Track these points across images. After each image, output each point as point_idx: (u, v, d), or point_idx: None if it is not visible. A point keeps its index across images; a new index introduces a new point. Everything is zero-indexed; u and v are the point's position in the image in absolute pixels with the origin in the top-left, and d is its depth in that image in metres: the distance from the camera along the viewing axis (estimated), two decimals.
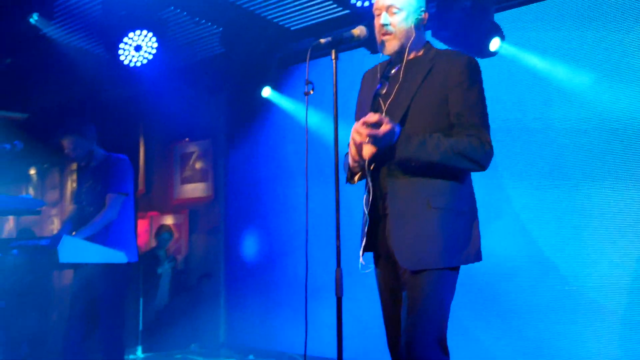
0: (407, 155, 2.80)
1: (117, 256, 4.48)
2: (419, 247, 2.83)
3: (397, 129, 2.79)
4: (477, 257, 2.94)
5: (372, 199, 2.95)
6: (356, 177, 3.06)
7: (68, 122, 4.92)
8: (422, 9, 3.04)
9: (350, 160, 2.97)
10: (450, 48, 2.98)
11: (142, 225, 9.23)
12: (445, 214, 2.85)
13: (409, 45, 3.02)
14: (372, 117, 2.77)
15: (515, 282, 5.56)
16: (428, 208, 2.84)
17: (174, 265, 8.68)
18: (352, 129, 2.86)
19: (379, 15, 3.03)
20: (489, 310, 5.67)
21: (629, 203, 5.07)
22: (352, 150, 2.92)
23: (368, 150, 2.82)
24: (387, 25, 2.99)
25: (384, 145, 2.80)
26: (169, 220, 9.02)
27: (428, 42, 3.11)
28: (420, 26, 3.04)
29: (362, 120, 2.80)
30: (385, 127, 2.75)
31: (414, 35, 3.01)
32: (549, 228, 5.48)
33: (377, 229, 2.98)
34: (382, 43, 3.03)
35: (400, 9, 2.99)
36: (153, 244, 8.80)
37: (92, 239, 4.55)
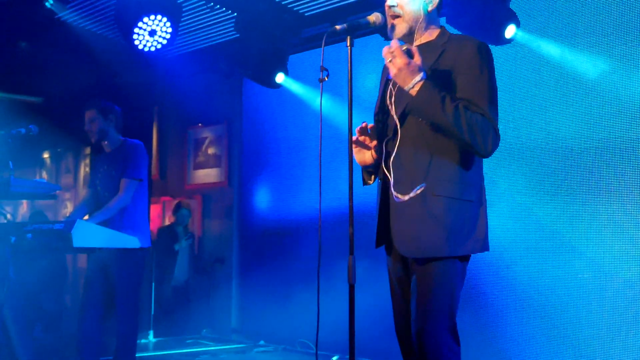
0: (423, 100, 2.73)
1: (130, 241, 4.50)
2: (419, 235, 2.80)
3: (423, 73, 2.75)
4: (484, 246, 2.89)
5: (383, 188, 2.95)
6: (372, 178, 3.06)
7: (96, 99, 4.96)
8: None
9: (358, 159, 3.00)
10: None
11: (155, 210, 9.27)
12: (448, 202, 2.80)
13: (418, 29, 2.98)
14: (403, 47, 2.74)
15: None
16: (432, 195, 2.80)
17: (192, 243, 8.72)
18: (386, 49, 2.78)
19: None
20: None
21: None
22: (359, 156, 2.96)
23: (393, 67, 2.75)
24: (394, 6, 2.96)
25: (405, 75, 2.73)
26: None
27: (443, 27, 3.06)
28: (430, 9, 2.97)
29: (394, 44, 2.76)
30: (417, 58, 2.73)
31: (422, 18, 2.96)
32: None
33: (388, 218, 2.95)
34: (392, 27, 2.98)
35: None
36: (172, 219, 8.83)
37: (106, 223, 4.57)
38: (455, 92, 2.82)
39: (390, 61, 2.75)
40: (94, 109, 4.89)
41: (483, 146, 2.76)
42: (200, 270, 8.77)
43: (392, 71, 2.76)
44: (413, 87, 2.75)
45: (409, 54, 2.76)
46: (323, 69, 2.87)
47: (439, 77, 2.85)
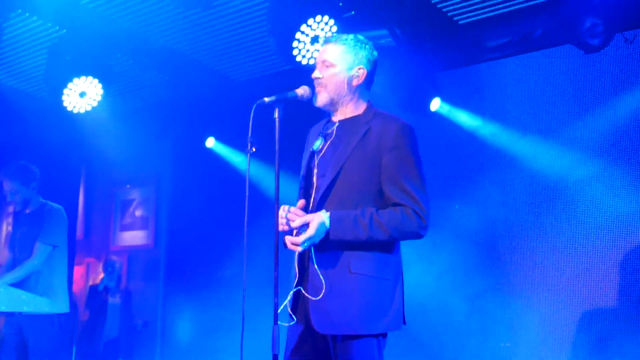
0: (341, 240, 2.82)
1: (46, 306, 4.41)
2: (335, 311, 2.82)
3: (324, 217, 2.81)
4: (398, 324, 2.92)
5: (299, 259, 2.97)
6: None
7: (14, 166, 4.87)
8: (359, 66, 3.04)
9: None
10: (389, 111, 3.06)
11: (78, 271, 9.04)
12: (365, 279, 2.84)
13: (341, 100, 3.06)
14: (297, 222, 2.82)
15: None
16: (349, 273, 2.84)
17: (122, 297, 8.52)
18: (287, 240, 2.86)
19: (315, 67, 3.10)
20: None
21: None
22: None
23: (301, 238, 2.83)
24: (319, 78, 3.05)
25: (318, 236, 2.82)
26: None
27: (370, 102, 3.12)
28: (355, 83, 3.05)
29: (288, 236, 2.84)
30: (311, 229, 2.79)
31: (345, 90, 3.03)
32: None
33: (300, 282, 2.95)
34: (315, 95, 3.07)
35: (333, 64, 3.02)
36: (100, 276, 8.61)
37: (22, 287, 4.49)
38: (379, 171, 2.89)
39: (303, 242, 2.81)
40: (16, 181, 4.82)
41: (414, 237, 2.89)
42: (126, 330, 8.55)
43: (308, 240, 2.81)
44: (327, 236, 2.82)
45: (302, 227, 2.82)
46: (251, 140, 2.94)
47: (362, 155, 2.92)
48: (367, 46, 3.08)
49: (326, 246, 2.85)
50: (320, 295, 2.83)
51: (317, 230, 2.79)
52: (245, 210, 2.97)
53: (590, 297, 5.25)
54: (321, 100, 3.05)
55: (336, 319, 2.81)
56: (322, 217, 2.80)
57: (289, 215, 2.85)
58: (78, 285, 8.90)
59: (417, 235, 2.90)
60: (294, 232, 2.86)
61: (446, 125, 5.88)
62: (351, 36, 3.08)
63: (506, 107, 5.75)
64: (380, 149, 2.91)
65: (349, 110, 3.07)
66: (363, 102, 3.10)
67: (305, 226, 2.81)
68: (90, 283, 8.88)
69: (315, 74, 3.06)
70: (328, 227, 2.80)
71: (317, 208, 2.92)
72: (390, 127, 2.95)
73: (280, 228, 2.85)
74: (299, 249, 2.81)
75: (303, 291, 2.90)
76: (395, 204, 2.87)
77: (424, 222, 2.87)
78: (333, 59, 3.02)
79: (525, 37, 5.53)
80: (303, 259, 2.95)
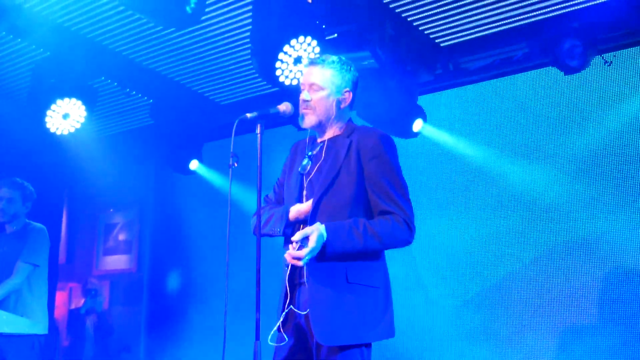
0: (338, 251, 2.84)
1: (25, 326, 4.37)
2: (337, 323, 2.84)
3: (322, 229, 2.82)
4: (390, 333, 2.97)
5: (290, 275, 2.99)
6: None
7: (16, 180, 4.87)
8: (346, 89, 3.11)
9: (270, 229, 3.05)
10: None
11: (61, 296, 8.96)
12: (362, 289, 2.89)
13: (329, 123, 3.11)
14: (298, 236, 2.82)
15: None
16: (346, 282, 2.88)
17: (106, 322, 8.43)
18: (288, 255, 2.85)
19: (303, 90, 3.12)
20: None
21: None
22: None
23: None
24: (307, 101, 3.08)
25: (317, 248, 2.82)
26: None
27: (350, 120, 3.19)
28: (342, 105, 3.11)
29: (290, 251, 2.83)
30: (311, 241, 2.80)
31: (334, 113, 3.10)
32: None
33: (291, 299, 2.98)
34: (302, 116, 3.10)
35: (321, 87, 3.07)
36: (82, 301, 8.52)
37: (1, 307, 4.45)
38: (364, 182, 2.96)
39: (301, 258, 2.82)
40: (17, 191, 4.81)
41: (404, 244, 2.96)
42: (108, 355, 8.46)
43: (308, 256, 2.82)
44: (325, 249, 2.83)
45: (303, 240, 2.83)
46: (233, 155, 2.96)
47: (348, 171, 2.98)
48: (351, 68, 3.15)
49: (321, 257, 2.86)
50: (318, 308, 2.85)
51: (317, 242, 2.80)
52: (227, 229, 2.98)
53: (563, 309, 5.37)
54: (309, 122, 3.09)
55: (338, 330, 2.83)
56: (320, 229, 2.82)
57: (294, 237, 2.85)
58: (60, 311, 8.81)
59: (407, 243, 2.97)
60: (292, 245, 2.85)
61: (429, 146, 5.93)
62: (336, 58, 3.13)
63: (488, 128, 5.82)
64: (361, 160, 2.99)
65: (333, 130, 3.13)
66: (344, 122, 3.17)
67: (305, 239, 2.81)
68: (72, 307, 8.79)
69: (305, 96, 3.09)
70: (325, 239, 2.82)
71: (310, 224, 2.91)
72: (369, 138, 3.03)
73: (295, 262, 2.83)
74: (301, 263, 2.81)
75: (294, 308, 2.93)
76: (384, 212, 2.94)
77: (412, 230, 2.96)
78: (322, 83, 3.07)
79: (506, 60, 5.61)
80: (293, 275, 2.98)
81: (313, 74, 3.08)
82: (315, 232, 2.80)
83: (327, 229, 2.83)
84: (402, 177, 3.02)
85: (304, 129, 3.19)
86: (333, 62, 3.09)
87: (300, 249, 2.80)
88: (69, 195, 9.27)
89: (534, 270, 5.53)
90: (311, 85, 3.09)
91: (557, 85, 5.57)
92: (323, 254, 2.83)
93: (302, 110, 3.10)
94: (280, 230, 3.03)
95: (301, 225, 2.96)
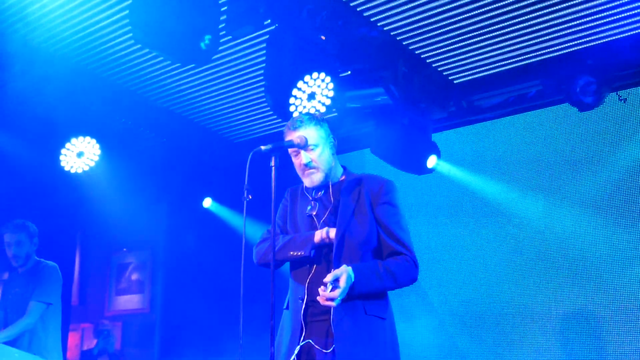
0: (363, 292, 2.96)
1: None
2: (360, 356, 2.92)
3: (349, 271, 2.93)
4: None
5: (304, 313, 3.05)
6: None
7: (16, 222, 4.88)
8: (332, 136, 3.27)
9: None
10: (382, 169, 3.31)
11: (73, 337, 8.90)
12: (376, 321, 3.02)
13: (331, 172, 3.24)
14: (330, 277, 2.89)
15: None
16: (364, 314, 2.98)
17: None
18: (321, 298, 2.90)
19: (296, 155, 3.20)
20: None
21: None
22: None
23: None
24: (309, 163, 3.18)
25: (347, 289, 2.91)
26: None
27: (344, 166, 3.34)
28: (333, 152, 3.27)
29: (323, 293, 2.88)
30: (342, 282, 2.88)
31: (333, 162, 3.25)
32: None
33: (307, 334, 3.02)
34: (308, 176, 3.20)
35: (316, 145, 3.18)
36: (94, 342, 8.45)
37: (16, 346, 4.41)
38: (375, 225, 3.12)
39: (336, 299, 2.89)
40: (21, 233, 4.83)
41: (410, 284, 3.15)
42: None
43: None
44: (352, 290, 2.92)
45: (335, 282, 2.91)
46: (247, 188, 2.97)
47: (360, 215, 3.12)
48: (323, 119, 3.30)
49: (347, 297, 2.94)
50: (343, 344, 2.93)
51: (347, 283, 2.90)
52: (241, 267, 2.95)
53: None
54: (318, 180, 3.20)
55: None
56: (348, 271, 2.92)
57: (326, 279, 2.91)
58: (72, 352, 8.75)
59: (415, 280, 3.16)
60: (323, 288, 2.89)
61: (443, 182, 5.91)
62: (306, 116, 3.25)
63: (502, 165, 5.81)
64: (372, 205, 3.16)
65: (333, 175, 3.26)
66: (339, 165, 3.32)
67: (336, 281, 2.89)
68: (85, 348, 8.72)
69: (305, 159, 3.18)
70: (353, 280, 2.93)
71: (335, 265, 3.01)
72: (377, 184, 3.21)
73: (328, 303, 2.89)
74: (334, 304, 2.88)
75: (314, 344, 2.98)
76: (393, 253, 3.12)
77: (417, 267, 3.14)
78: (315, 141, 3.18)
79: (520, 97, 5.61)
80: (306, 313, 3.04)
81: (303, 137, 3.16)
82: (344, 274, 2.91)
83: (354, 270, 2.94)
84: (407, 222, 3.21)
85: None
86: (310, 119, 3.22)
87: (334, 290, 2.87)
88: (82, 235, 9.27)
89: (559, 313, 5.51)
90: (306, 147, 3.16)
91: (571, 122, 5.57)
92: (349, 294, 2.92)
93: (306, 173, 3.21)
94: (307, 251, 3.09)
95: (324, 250, 3.08)
